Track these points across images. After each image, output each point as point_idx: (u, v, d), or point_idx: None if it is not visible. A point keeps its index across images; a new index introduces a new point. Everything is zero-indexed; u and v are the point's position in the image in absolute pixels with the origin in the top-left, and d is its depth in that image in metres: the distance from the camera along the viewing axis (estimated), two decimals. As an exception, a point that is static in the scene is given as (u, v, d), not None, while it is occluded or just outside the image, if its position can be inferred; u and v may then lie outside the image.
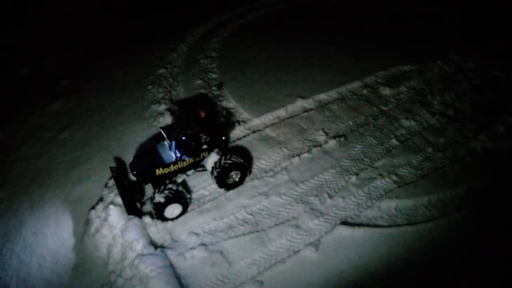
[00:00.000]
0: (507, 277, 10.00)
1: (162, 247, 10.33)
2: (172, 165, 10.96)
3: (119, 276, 9.60)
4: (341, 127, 14.37)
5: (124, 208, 10.59)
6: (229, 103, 15.47)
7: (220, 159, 11.26)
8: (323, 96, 15.78)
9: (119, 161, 12.70)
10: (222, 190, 11.81)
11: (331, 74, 17.03)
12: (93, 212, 11.15)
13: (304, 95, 15.73)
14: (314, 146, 13.43)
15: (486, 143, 13.65)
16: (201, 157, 11.46)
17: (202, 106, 13.00)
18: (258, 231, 10.77)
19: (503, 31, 20.44)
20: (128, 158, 12.12)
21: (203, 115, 11.27)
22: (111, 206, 10.80)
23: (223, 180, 11.48)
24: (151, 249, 9.94)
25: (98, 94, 16.29)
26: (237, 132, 13.95)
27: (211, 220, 11.02)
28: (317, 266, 9.98)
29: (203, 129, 10.99)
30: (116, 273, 9.72)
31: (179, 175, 11.50)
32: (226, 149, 12.44)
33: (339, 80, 16.64)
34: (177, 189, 10.71)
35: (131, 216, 10.48)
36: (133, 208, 10.68)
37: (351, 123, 14.58)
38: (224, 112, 14.92)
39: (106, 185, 12.01)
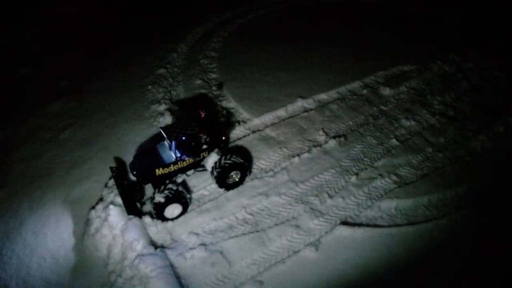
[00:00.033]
0: (507, 277, 10.00)
1: (162, 247, 10.33)
2: (172, 165, 10.96)
3: (119, 276, 9.59)
4: (341, 127, 14.37)
5: (124, 208, 10.58)
6: (229, 103, 15.47)
7: (220, 159, 11.26)
8: (323, 96, 15.78)
9: (119, 161, 12.70)
10: (222, 190, 11.81)
11: (331, 74, 17.04)
12: (93, 212, 11.15)
13: (304, 95, 15.73)
14: (314, 146, 13.43)
15: (486, 143, 13.65)
16: (201, 157, 11.46)
17: (202, 106, 13.01)
18: (258, 231, 10.77)
19: (503, 31, 20.45)
20: (128, 158, 12.11)
21: (203, 115, 11.26)
22: (111, 206, 10.80)
23: (223, 180, 11.48)
24: (151, 249, 9.94)
25: (98, 94, 16.29)
26: (237, 132, 13.95)
27: (211, 220, 11.02)
28: (317, 266, 9.98)
29: (203, 129, 10.99)
30: (116, 273, 9.72)
31: (179, 175, 11.50)
32: (226, 149, 12.44)
33: (339, 80, 16.64)
34: (177, 189, 10.71)
35: (131, 216, 10.48)
36: (133, 208, 10.67)
37: (351, 123, 14.58)
38: (224, 112, 14.91)
39: (106, 185, 12.01)
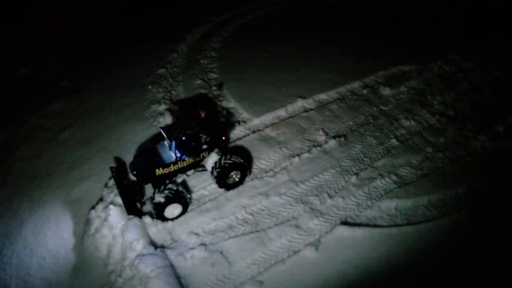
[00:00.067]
0: (507, 277, 10.00)
1: (162, 247, 10.33)
2: (172, 165, 10.96)
3: (119, 276, 9.59)
4: (341, 127, 14.37)
5: (124, 208, 10.58)
6: (229, 103, 15.47)
7: (220, 159, 11.26)
8: (323, 96, 15.78)
9: (119, 161, 12.70)
10: (222, 190, 11.81)
11: (331, 74, 17.04)
12: (93, 212, 11.15)
13: (304, 95, 15.73)
14: (314, 146, 13.43)
15: (486, 143, 13.65)
16: (201, 157, 11.46)
17: (202, 106, 13.00)
18: (258, 231, 10.77)
19: (503, 31, 20.45)
20: (128, 158, 12.12)
21: (203, 115, 11.26)
22: (111, 206, 10.80)
23: (223, 180, 11.48)
24: (151, 249, 9.94)
25: (98, 94, 16.28)
26: (237, 132, 13.95)
27: (211, 220, 11.02)
28: (317, 266, 9.98)
29: (203, 129, 10.99)
30: (116, 273, 9.72)
31: (179, 175, 11.49)
32: (226, 149, 12.44)
33: (339, 80, 16.64)
34: (177, 189, 10.71)
35: (131, 216, 10.48)
36: (133, 208, 10.67)
37: (351, 123, 14.58)
38: (224, 112, 14.91)
39: (106, 185, 12.01)
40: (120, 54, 19.08)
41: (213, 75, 17.26)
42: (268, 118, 14.71)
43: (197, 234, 10.65)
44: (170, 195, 10.50)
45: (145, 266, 9.36)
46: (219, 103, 15.47)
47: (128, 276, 9.52)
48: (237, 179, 11.72)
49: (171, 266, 9.74)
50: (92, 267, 10.17)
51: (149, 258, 9.56)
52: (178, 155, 10.91)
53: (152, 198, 10.63)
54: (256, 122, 14.48)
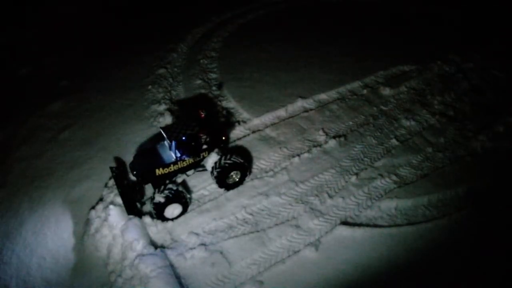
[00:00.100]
0: (507, 277, 10.00)
1: (162, 247, 10.33)
2: (172, 165, 10.96)
3: (119, 276, 9.59)
4: (341, 127, 14.37)
5: (124, 208, 10.58)
6: (229, 103, 15.47)
7: (220, 159, 11.26)
8: (323, 96, 15.78)
9: (119, 161, 12.70)
10: (222, 190, 11.81)
11: (331, 74, 17.04)
12: (93, 212, 11.15)
13: (304, 95, 15.73)
14: (314, 146, 13.43)
15: (486, 143, 13.65)
16: (201, 157, 11.46)
17: (202, 106, 13.01)
18: (258, 231, 10.77)
19: (503, 31, 20.45)
20: (128, 158, 12.11)
21: (203, 115, 11.27)
22: (111, 206, 10.80)
23: (223, 180, 11.48)
24: (151, 249, 9.93)
25: (98, 94, 16.28)
26: (237, 132, 13.95)
27: (211, 220, 11.02)
28: (317, 266, 9.98)
29: (203, 129, 10.99)
30: (116, 273, 9.72)
31: (179, 175, 11.49)
32: (226, 149, 12.43)
33: (339, 80, 16.64)
34: (177, 189, 10.71)
35: (131, 216, 10.48)
36: (133, 208, 10.67)
37: (351, 123, 14.58)
38: (224, 112, 14.91)
39: (106, 185, 12.01)
40: (120, 54, 19.08)
41: (213, 75, 17.27)
42: (268, 118, 14.71)
43: (197, 234, 10.65)
44: (170, 195, 10.50)
45: (145, 266, 9.36)
46: (219, 103, 15.47)
47: (128, 276, 9.52)
48: (237, 179, 11.72)
49: (171, 266, 9.74)
50: (92, 267, 10.17)
51: (149, 258, 9.56)
52: (178, 155, 10.91)
53: (152, 198, 10.63)
54: (256, 122, 14.48)
